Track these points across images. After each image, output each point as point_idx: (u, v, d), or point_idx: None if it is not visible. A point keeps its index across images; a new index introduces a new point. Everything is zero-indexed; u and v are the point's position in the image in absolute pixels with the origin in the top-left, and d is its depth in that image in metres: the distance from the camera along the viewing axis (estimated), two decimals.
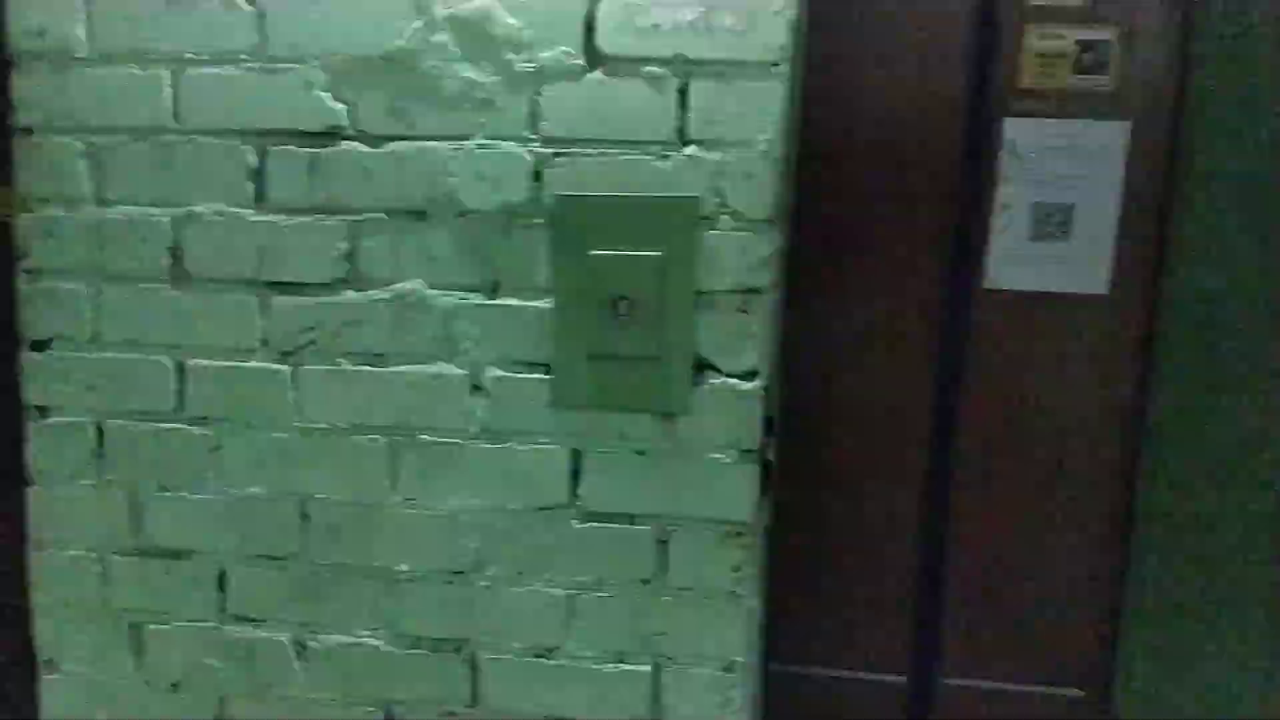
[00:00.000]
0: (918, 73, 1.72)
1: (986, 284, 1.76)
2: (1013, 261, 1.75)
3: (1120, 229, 1.71)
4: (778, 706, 1.86)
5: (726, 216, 1.29)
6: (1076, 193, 1.72)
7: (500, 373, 1.36)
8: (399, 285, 1.37)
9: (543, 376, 1.36)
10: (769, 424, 1.34)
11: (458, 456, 1.39)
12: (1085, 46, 1.67)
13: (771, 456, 1.34)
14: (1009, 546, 1.81)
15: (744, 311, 1.30)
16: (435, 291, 1.36)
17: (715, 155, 1.28)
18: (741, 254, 1.29)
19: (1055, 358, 1.76)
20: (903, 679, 1.87)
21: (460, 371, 1.37)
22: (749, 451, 1.32)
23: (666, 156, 1.29)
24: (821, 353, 1.81)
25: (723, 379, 1.32)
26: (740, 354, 1.31)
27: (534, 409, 1.36)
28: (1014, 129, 1.72)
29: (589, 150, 1.30)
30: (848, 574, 1.86)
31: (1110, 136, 1.70)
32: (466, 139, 1.32)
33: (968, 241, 1.75)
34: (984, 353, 1.77)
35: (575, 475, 1.37)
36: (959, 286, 1.77)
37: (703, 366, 1.32)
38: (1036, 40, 1.68)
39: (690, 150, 1.28)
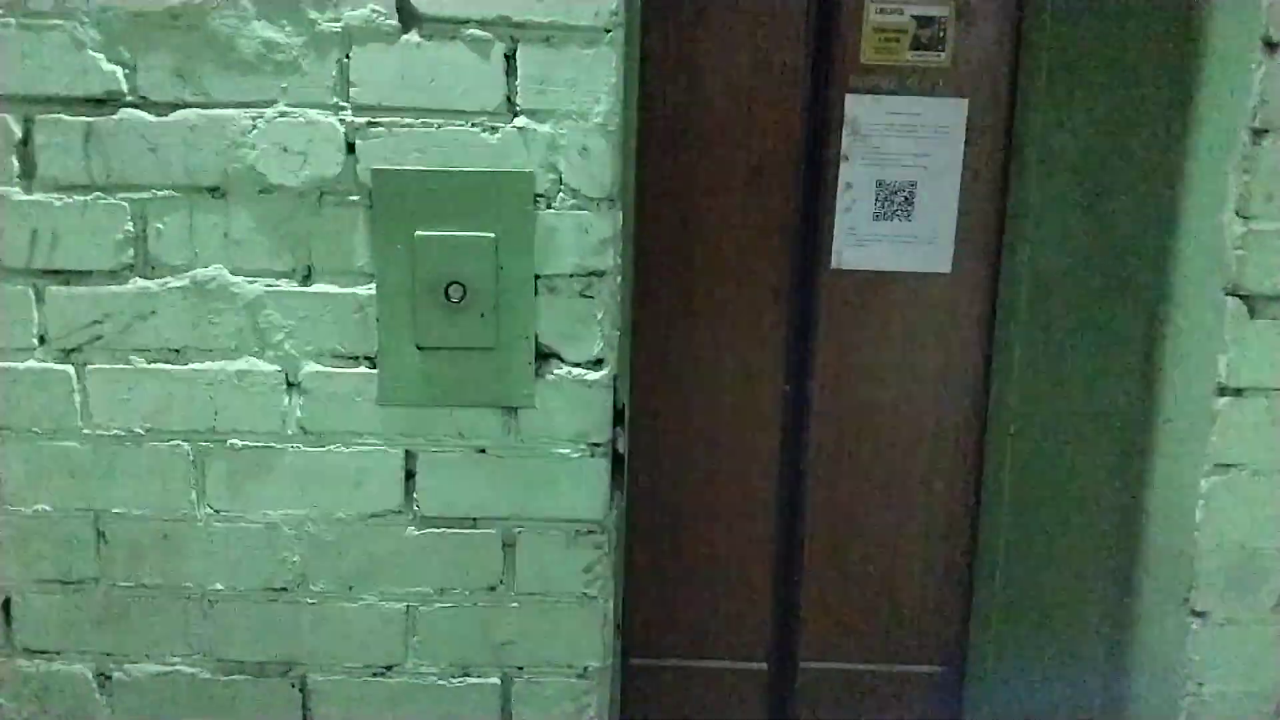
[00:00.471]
0: (759, 46, 1.68)
1: (833, 264, 1.74)
2: (858, 242, 1.73)
3: (962, 207, 1.72)
4: (637, 702, 1.80)
5: (563, 194, 1.20)
6: (918, 171, 1.72)
7: (318, 367, 1.23)
8: (196, 271, 1.21)
9: (367, 371, 1.23)
10: (619, 414, 1.26)
11: (273, 462, 1.25)
12: (922, 22, 1.67)
13: (623, 448, 1.26)
14: (865, 527, 1.81)
15: (587, 296, 1.21)
16: (239, 278, 1.21)
17: (548, 128, 1.18)
18: (582, 234, 1.20)
19: (902, 337, 1.76)
20: (764, 666, 1.84)
21: (272, 367, 1.23)
22: (598, 445, 1.24)
23: (495, 128, 1.18)
24: (670, 337, 1.75)
25: (567, 368, 1.23)
26: (585, 341, 1.23)
27: (359, 407, 1.24)
28: (855, 105, 1.70)
29: (408, 120, 1.18)
30: (705, 562, 1.82)
31: (949, 114, 1.70)
32: (267, 106, 1.18)
33: (814, 222, 1.73)
34: (832, 334, 1.76)
35: (409, 478, 1.26)
36: (806, 268, 1.74)
37: (545, 356, 1.23)
38: (876, 15, 1.66)
39: (521, 122, 1.18)
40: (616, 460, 1.27)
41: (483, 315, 1.20)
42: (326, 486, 1.26)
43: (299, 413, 1.24)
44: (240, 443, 1.25)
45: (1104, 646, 1.58)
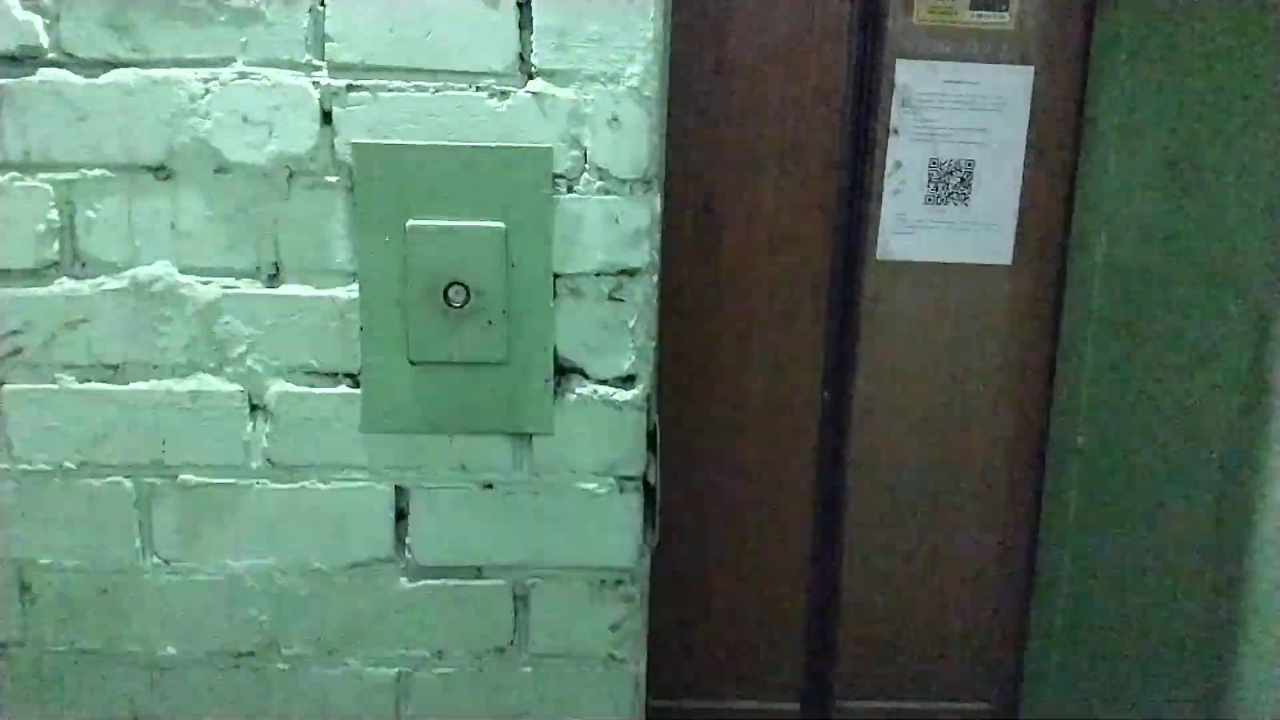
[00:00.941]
0: (798, 3, 1.46)
1: (878, 254, 1.53)
2: (907, 229, 1.53)
3: (1025, 190, 1.52)
4: None
5: (589, 175, 0.98)
6: (977, 149, 1.51)
7: (289, 387, 1.01)
8: (137, 270, 0.99)
9: (349, 391, 1.01)
10: (651, 439, 1.05)
11: (235, 502, 1.03)
12: None
13: (655, 479, 1.05)
14: (909, 549, 1.61)
15: (617, 299, 1.00)
16: (190, 278, 0.99)
17: (570, 92, 0.96)
18: (611, 224, 0.98)
19: (955, 338, 1.56)
20: (796, 706, 1.64)
21: (231, 387, 1.01)
22: (629, 478, 1.03)
23: (505, 93, 0.96)
24: (693, 337, 1.54)
25: (592, 387, 1.02)
26: (614, 354, 1.01)
27: (339, 435, 1.02)
28: (906, 72, 1.49)
29: (397, 83, 0.95)
30: (730, 590, 1.62)
31: (1012, 83, 1.49)
32: (223, 66, 0.95)
33: (857, 206, 1.52)
34: (876, 334, 1.55)
35: (400, 519, 1.04)
36: (847, 259, 1.53)
37: (566, 372, 1.01)
38: None
39: (537, 86, 0.96)
40: (648, 494, 1.06)
41: (490, 323, 0.99)
42: (300, 531, 1.04)
43: (265, 442, 1.02)
44: (194, 479, 1.02)
45: (1190, 689, 1.39)
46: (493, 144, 0.97)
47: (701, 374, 1.54)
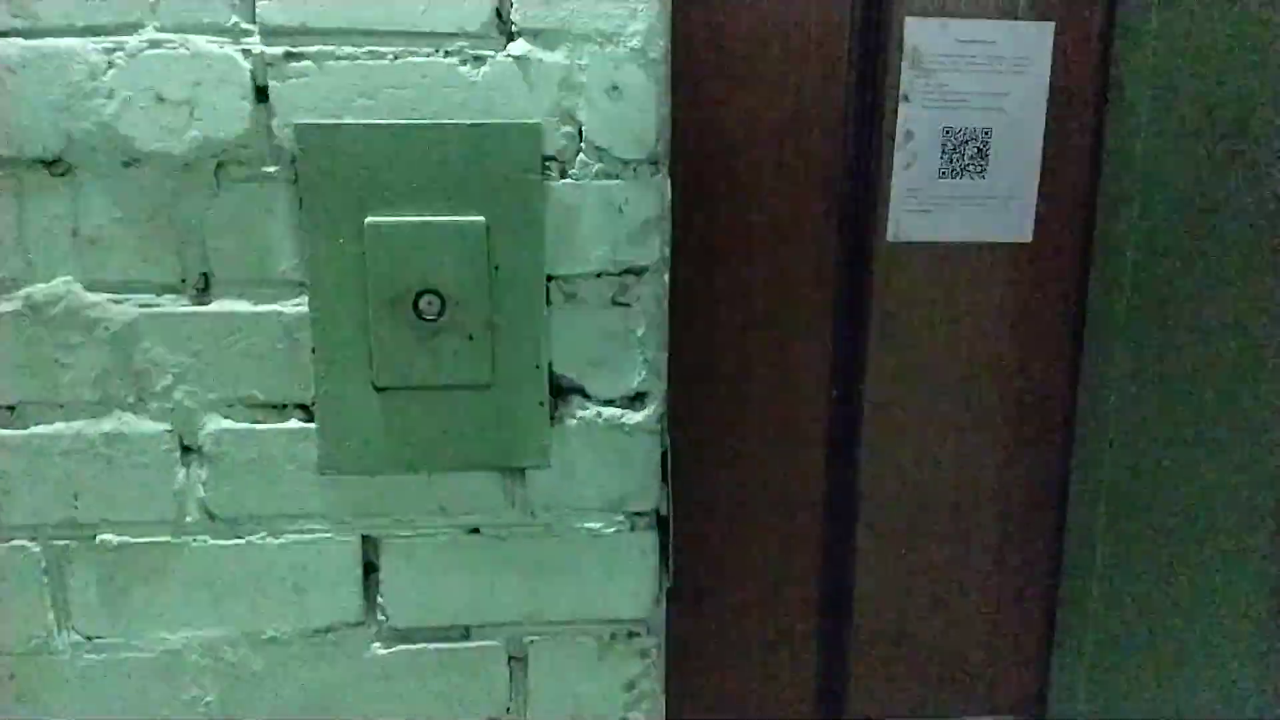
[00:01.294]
0: None
1: (889, 236, 1.39)
2: (920, 206, 1.38)
3: (1046, 159, 1.38)
4: None
5: (586, 155, 0.81)
6: (994, 115, 1.36)
7: (227, 423, 0.83)
8: (33, 288, 0.80)
9: (301, 425, 0.84)
10: (663, 463, 0.89)
11: (169, 563, 0.85)
12: None
13: (668, 510, 0.90)
14: (925, 554, 1.48)
15: (622, 303, 0.84)
16: (99, 295, 0.81)
17: (559, 56, 0.79)
18: (614, 214, 0.82)
19: (973, 326, 1.42)
20: None
21: (157, 426, 0.83)
22: (640, 514, 0.88)
23: (480, 58, 0.79)
24: (686, 332, 1.38)
25: (595, 409, 0.86)
26: (620, 369, 0.85)
27: (291, 478, 0.85)
28: (917, 30, 1.33)
29: (347, 48, 0.78)
30: (735, 606, 1.47)
31: (1032, 40, 1.35)
32: (129, 33, 0.77)
33: (865, 182, 1.37)
34: (888, 325, 1.41)
35: (370, 574, 0.87)
36: (854, 242, 1.38)
37: (563, 392, 0.85)
38: None
39: (519, 48, 0.79)
40: (662, 528, 0.90)
41: (470, 337, 0.82)
42: (250, 594, 0.86)
43: (202, 490, 0.84)
44: (116, 538, 0.85)
45: (1242, 699, 1.28)
46: (467, 121, 0.79)
47: (698, 376, 1.39)
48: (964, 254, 1.40)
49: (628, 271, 0.83)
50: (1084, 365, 1.43)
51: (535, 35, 0.79)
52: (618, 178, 0.81)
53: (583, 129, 0.81)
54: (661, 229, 0.83)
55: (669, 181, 0.84)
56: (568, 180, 0.81)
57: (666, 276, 0.85)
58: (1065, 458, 1.46)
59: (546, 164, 0.81)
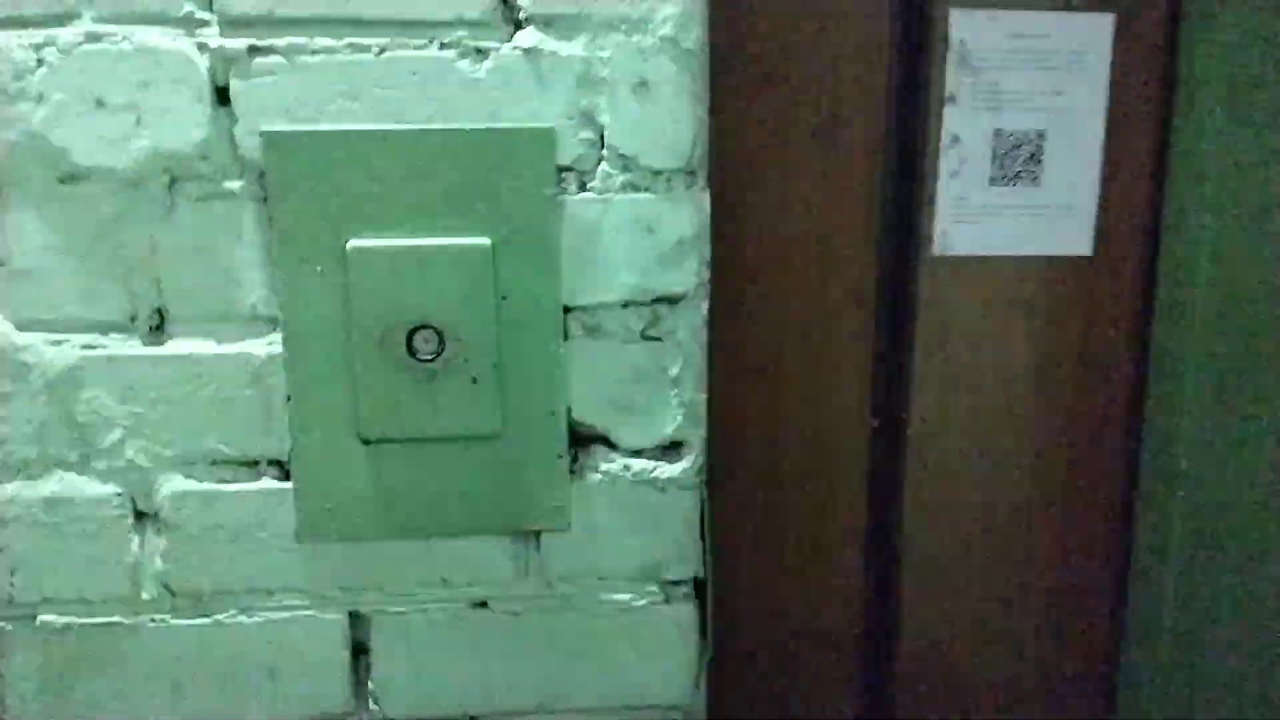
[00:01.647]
0: None
1: (935, 250, 1.27)
2: (968, 217, 1.26)
3: (1107, 165, 1.26)
4: None
5: (609, 165, 0.69)
6: (1049, 117, 1.25)
7: (188, 484, 0.71)
8: None
9: (275, 485, 0.72)
10: (700, 521, 0.77)
11: (122, 647, 0.73)
12: None
13: (707, 575, 0.77)
14: (974, 610, 1.36)
15: (653, 338, 0.71)
16: (33, 336, 0.68)
17: (578, 47, 0.67)
18: (643, 234, 0.70)
19: (1028, 349, 1.30)
20: None
21: (105, 488, 0.71)
22: (677, 583, 0.75)
23: (483, 51, 0.67)
24: (714, 355, 1.26)
25: (623, 461, 0.73)
26: (652, 414, 0.73)
27: (266, 547, 0.72)
28: (964, 24, 1.22)
29: (323, 40, 0.66)
30: (773, 635, 1.36)
31: (1089, 34, 1.24)
32: (61, 24, 0.65)
33: (908, 191, 1.25)
34: (933, 347, 1.29)
35: (359, 656, 0.75)
36: (898, 256, 1.27)
37: (585, 441, 0.73)
38: None
39: (530, 38, 0.67)
40: (700, 595, 0.78)
41: (474, 380, 0.70)
42: (218, 682, 0.74)
43: (160, 562, 0.72)
44: (59, 619, 0.72)
45: None
46: (467, 126, 0.67)
47: (729, 401, 1.27)
48: (1017, 269, 1.29)
49: (659, 300, 0.71)
50: (1149, 393, 1.31)
51: (547, 23, 0.67)
52: (647, 191, 0.69)
53: (605, 134, 0.68)
54: (699, 250, 0.71)
55: (708, 194, 0.72)
56: (587, 194, 0.69)
57: (705, 306, 0.73)
58: (1129, 496, 1.34)
59: (562, 175, 0.68)
